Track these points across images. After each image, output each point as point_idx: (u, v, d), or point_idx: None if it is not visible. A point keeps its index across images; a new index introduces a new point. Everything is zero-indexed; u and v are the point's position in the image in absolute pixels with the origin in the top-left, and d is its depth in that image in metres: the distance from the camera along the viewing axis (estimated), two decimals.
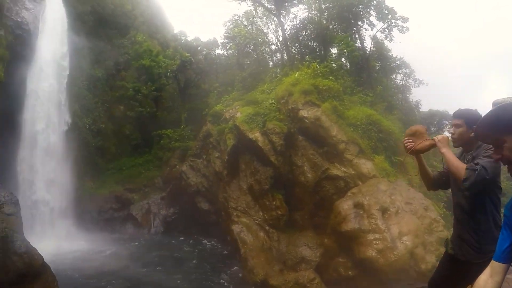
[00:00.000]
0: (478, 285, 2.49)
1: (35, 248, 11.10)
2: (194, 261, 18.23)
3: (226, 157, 20.02)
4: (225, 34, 31.60)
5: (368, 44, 26.12)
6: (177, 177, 23.94)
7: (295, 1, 27.12)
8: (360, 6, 25.23)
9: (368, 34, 26.37)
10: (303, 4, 27.76)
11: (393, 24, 24.61)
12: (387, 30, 24.98)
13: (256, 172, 18.51)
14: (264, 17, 30.81)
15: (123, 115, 28.10)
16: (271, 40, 31.25)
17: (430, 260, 12.08)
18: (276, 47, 30.89)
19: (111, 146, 27.33)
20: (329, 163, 16.86)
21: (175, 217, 23.51)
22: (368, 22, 25.74)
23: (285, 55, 28.48)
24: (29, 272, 10.46)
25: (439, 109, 29.22)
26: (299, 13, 28.39)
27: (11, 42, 18.34)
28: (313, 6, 27.82)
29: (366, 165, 16.05)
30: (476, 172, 3.27)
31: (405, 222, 13.06)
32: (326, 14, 27.42)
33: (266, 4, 28.00)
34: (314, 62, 21.65)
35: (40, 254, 11.08)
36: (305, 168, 17.45)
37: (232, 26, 31.04)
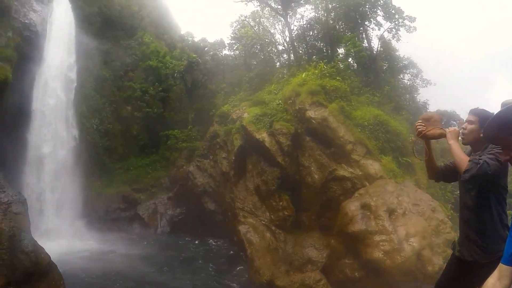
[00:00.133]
0: None
1: (42, 247, 11.18)
2: (200, 261, 18.26)
3: (233, 158, 20.03)
4: (232, 35, 31.71)
5: (375, 44, 26.05)
6: (184, 177, 24.00)
7: (301, 1, 27.08)
8: (367, 6, 25.13)
9: (375, 34, 26.30)
10: (310, 4, 27.71)
11: (400, 24, 24.47)
12: (394, 30, 24.87)
13: (263, 172, 18.50)
14: (271, 18, 30.81)
15: (131, 115, 28.23)
16: (278, 40, 31.29)
17: (437, 262, 11.99)
18: (283, 48, 30.89)
19: (119, 146, 27.46)
20: (336, 164, 16.80)
21: (182, 217, 23.56)
22: (375, 21, 25.65)
23: (292, 55, 28.46)
24: (36, 270, 10.54)
25: (447, 109, 29.00)
26: (305, 13, 28.38)
27: (19, 44, 18.47)
28: (320, 6, 27.75)
29: (373, 166, 15.97)
30: (479, 165, 3.31)
31: (412, 224, 12.98)
32: (333, 14, 27.34)
33: (273, 5, 28.00)
34: (321, 62, 21.62)
35: (47, 253, 11.16)
36: (312, 168, 17.40)
37: (239, 26, 31.08)
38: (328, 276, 13.74)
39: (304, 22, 28.16)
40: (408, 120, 20.64)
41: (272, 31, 31.47)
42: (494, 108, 3.70)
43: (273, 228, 17.33)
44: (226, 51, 34.31)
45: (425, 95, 26.72)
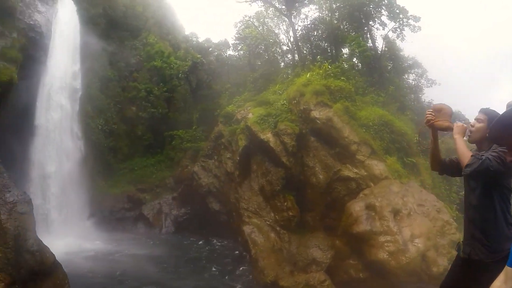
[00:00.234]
0: None
1: (47, 246, 11.25)
2: (205, 261, 18.27)
3: (238, 158, 20.05)
4: (236, 35, 31.73)
5: (380, 44, 25.91)
6: (189, 177, 24.04)
7: (305, 1, 27.06)
8: (371, 6, 25.04)
9: (380, 33, 26.16)
10: (314, 4, 27.69)
11: (404, 24, 24.37)
12: (398, 30, 24.73)
13: (268, 173, 18.50)
14: (275, 18, 30.83)
15: (135, 115, 28.32)
16: (282, 40, 31.29)
17: (442, 263, 11.95)
18: (287, 48, 30.89)
19: (124, 146, 27.56)
20: (341, 164, 16.78)
21: (186, 217, 23.60)
22: (379, 21, 25.51)
23: (296, 55, 28.42)
24: (41, 270, 10.62)
25: (452, 109, 28.79)
26: (310, 13, 28.35)
27: (24, 45, 18.57)
28: (324, 6, 27.72)
29: (378, 166, 15.93)
30: (481, 161, 3.36)
31: (417, 224, 12.95)
32: (337, 14, 27.28)
33: (277, 5, 27.98)
34: (325, 63, 21.60)
35: (52, 252, 11.23)
36: (317, 169, 17.39)
37: (243, 27, 31.09)
38: (333, 277, 13.73)
39: (308, 22, 28.15)
40: (413, 120, 20.56)
41: (276, 31, 31.51)
42: (500, 107, 3.71)
43: (278, 228, 17.32)
44: (230, 52, 34.40)
45: (430, 95, 26.56)
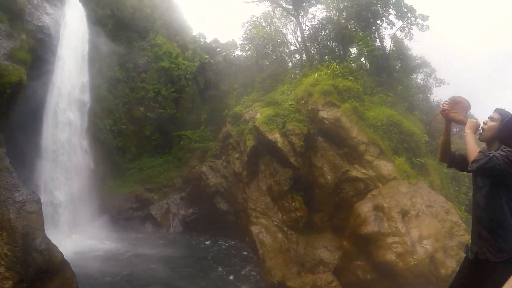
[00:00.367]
0: None
1: (55, 245, 11.36)
2: (212, 262, 18.30)
3: (246, 158, 20.05)
4: (244, 35, 31.85)
5: (388, 43, 25.77)
6: (197, 177, 24.10)
7: (313, 1, 27.03)
8: (379, 5, 24.89)
9: (388, 33, 25.99)
10: (321, 4, 27.65)
11: (412, 23, 24.19)
12: (406, 29, 24.56)
13: (276, 173, 18.49)
14: (283, 18, 30.86)
15: (144, 116, 28.44)
16: (290, 40, 31.32)
17: (451, 265, 11.85)
18: (295, 48, 30.89)
19: (132, 146, 27.69)
20: (349, 165, 16.71)
21: (194, 217, 23.64)
22: (387, 20, 25.35)
23: (304, 55, 28.41)
24: (49, 268, 10.74)
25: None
26: (317, 13, 28.34)
27: (32, 46, 18.71)
28: (331, 5, 27.67)
29: (386, 167, 15.85)
30: (488, 158, 3.35)
31: (425, 226, 12.85)
32: (344, 13, 27.19)
33: (284, 5, 27.97)
34: (333, 62, 21.56)
35: (60, 251, 11.34)
36: (325, 169, 17.34)
37: (250, 27, 31.17)
38: (340, 278, 13.68)
39: (316, 22, 28.13)
40: (421, 120, 20.43)
41: (284, 31, 31.54)
42: (509, 108, 3.69)
43: (285, 229, 17.30)
44: (238, 52, 34.48)
45: (439, 95, 26.33)
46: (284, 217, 17.64)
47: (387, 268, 12.28)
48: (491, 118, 3.71)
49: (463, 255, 4.07)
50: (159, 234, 22.76)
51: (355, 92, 18.93)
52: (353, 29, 26.67)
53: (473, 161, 3.46)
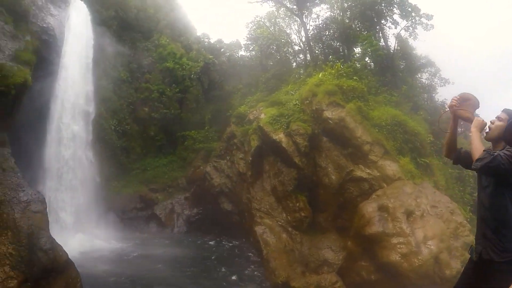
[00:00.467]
0: None
1: (60, 245, 11.40)
2: (216, 262, 18.32)
3: (250, 158, 20.05)
4: (248, 36, 31.74)
5: (392, 43, 25.62)
6: (201, 177, 24.13)
7: (317, 1, 26.96)
8: (383, 4, 24.77)
9: (392, 32, 25.84)
10: (325, 3, 27.56)
11: (417, 22, 24.07)
12: (411, 28, 24.44)
13: (280, 173, 18.47)
14: (287, 18, 30.78)
15: (148, 116, 28.50)
16: (294, 40, 31.22)
17: (455, 266, 11.80)
18: (299, 48, 30.80)
19: (136, 146, 27.76)
20: (354, 165, 16.67)
21: (199, 217, 23.68)
22: (391, 20, 25.20)
23: (308, 55, 28.33)
24: (54, 267, 10.79)
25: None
26: (321, 12, 28.22)
27: (37, 47, 18.78)
28: (336, 5, 27.59)
29: (391, 167, 15.79)
30: (492, 156, 3.35)
31: (430, 226, 12.80)
32: (348, 13, 27.10)
33: (288, 5, 27.94)
34: (337, 62, 21.50)
35: (64, 251, 11.38)
36: (329, 169, 17.30)
37: (254, 27, 31.10)
38: (344, 278, 13.65)
39: (320, 22, 28.04)
40: (426, 120, 20.31)
41: (288, 31, 31.45)
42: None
43: (290, 229, 17.28)
44: (242, 52, 34.37)
45: (443, 94, 26.17)
46: (289, 217, 17.62)
47: (391, 269, 12.24)
48: (498, 118, 3.71)
49: (468, 256, 4.06)
50: (164, 234, 22.81)
51: (359, 92, 18.87)
52: (357, 29, 26.56)
53: (477, 160, 3.45)
